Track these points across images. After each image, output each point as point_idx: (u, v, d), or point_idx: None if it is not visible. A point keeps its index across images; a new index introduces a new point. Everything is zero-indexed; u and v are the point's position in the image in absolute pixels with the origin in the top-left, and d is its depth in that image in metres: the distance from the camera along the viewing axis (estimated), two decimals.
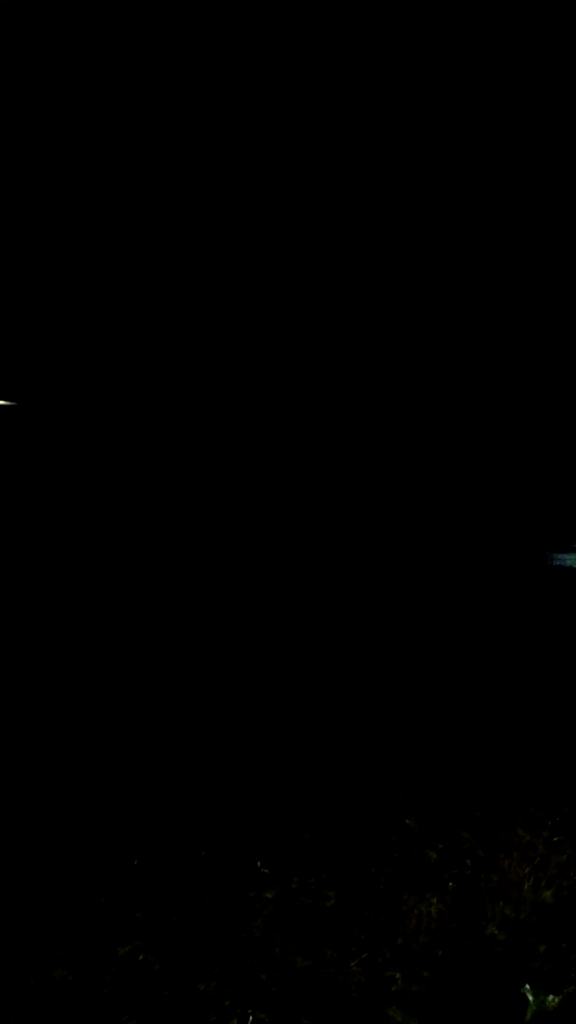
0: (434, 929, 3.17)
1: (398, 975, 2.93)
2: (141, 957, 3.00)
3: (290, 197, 8.51)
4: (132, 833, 3.84)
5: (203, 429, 8.86)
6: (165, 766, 4.66)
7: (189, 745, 5.02)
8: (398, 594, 7.85)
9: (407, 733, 5.30)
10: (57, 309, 8.53)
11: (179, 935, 3.13)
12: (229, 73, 8.19)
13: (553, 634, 7.14)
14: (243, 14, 7.96)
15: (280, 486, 8.75)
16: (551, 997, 2.85)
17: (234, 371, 8.73)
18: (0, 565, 7.87)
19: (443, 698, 6.19)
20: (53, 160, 8.34)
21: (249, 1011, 2.73)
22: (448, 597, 7.89)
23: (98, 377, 8.58)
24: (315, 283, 8.63)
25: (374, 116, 8.42)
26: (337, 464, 8.85)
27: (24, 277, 8.50)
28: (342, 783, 4.44)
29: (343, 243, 8.61)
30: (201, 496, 8.75)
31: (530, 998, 2.83)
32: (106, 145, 8.30)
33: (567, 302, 8.86)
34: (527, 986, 2.86)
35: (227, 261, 8.61)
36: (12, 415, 8.48)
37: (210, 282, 8.64)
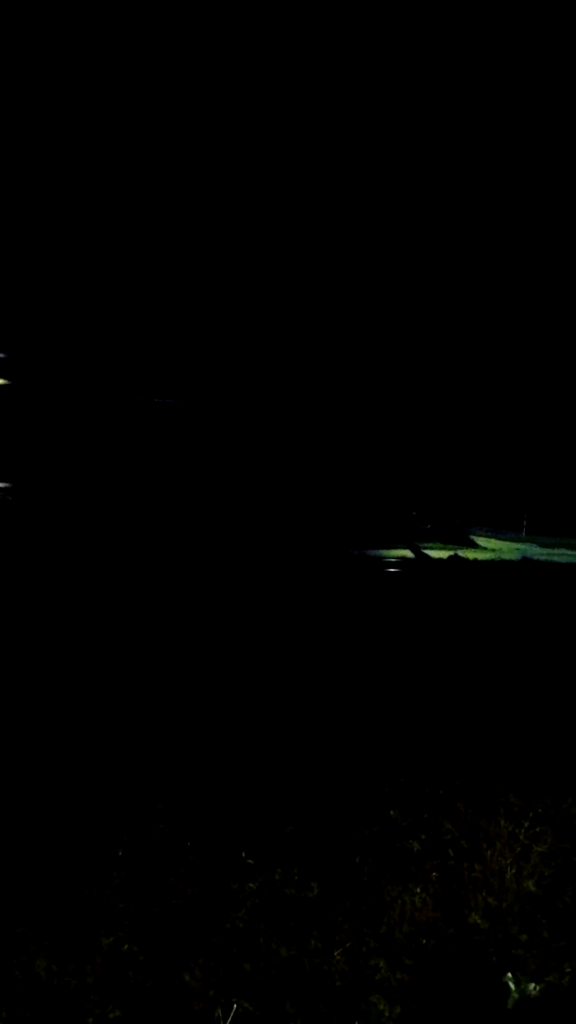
0: (417, 918, 3.19)
1: (381, 963, 2.94)
2: (125, 948, 3.00)
3: None
4: (116, 824, 3.84)
5: None
6: (149, 758, 4.65)
7: (174, 738, 5.02)
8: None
9: (391, 728, 5.32)
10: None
11: (163, 926, 3.13)
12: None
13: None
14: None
15: None
16: (532, 985, 2.87)
17: None
18: None
19: (430, 695, 6.21)
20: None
21: (234, 1000, 2.74)
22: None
23: None
24: None
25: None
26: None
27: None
28: (325, 776, 4.45)
29: None
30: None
31: (512, 986, 2.85)
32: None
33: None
34: (509, 975, 2.88)
35: None
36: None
37: None
